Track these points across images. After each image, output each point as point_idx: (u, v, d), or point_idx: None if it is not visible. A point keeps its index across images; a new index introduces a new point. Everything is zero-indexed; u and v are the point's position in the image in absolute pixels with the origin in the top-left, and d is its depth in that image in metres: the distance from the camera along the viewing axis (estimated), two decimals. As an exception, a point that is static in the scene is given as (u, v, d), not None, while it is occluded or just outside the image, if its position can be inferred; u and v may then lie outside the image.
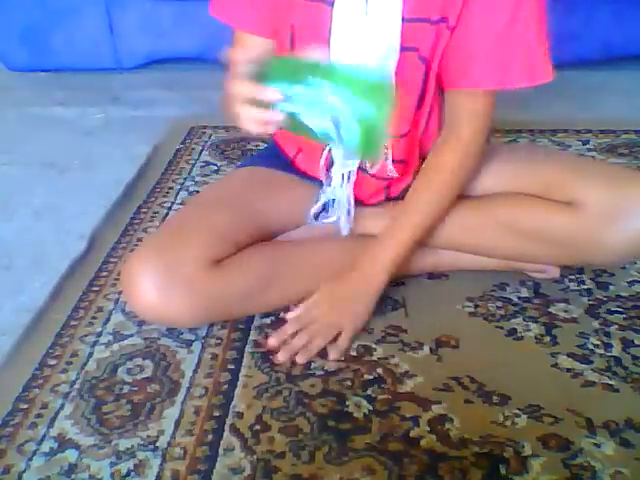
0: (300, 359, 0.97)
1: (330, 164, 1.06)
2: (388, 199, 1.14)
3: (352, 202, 1.09)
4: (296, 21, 0.98)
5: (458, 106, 1.02)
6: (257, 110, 0.81)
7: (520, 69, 0.96)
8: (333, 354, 0.98)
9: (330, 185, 1.08)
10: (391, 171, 1.06)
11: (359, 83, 0.76)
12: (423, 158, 1.08)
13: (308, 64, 0.78)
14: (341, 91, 0.75)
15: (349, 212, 1.10)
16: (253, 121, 0.82)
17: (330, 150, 1.04)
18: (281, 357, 0.98)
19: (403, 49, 0.95)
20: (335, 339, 1.00)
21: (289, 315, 1.04)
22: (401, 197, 1.13)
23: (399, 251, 1.04)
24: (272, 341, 1.00)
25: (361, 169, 1.07)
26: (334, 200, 1.09)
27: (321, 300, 1.03)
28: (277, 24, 1.01)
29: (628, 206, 0.97)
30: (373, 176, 1.07)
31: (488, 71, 0.97)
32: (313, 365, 0.98)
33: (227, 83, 0.84)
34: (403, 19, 0.93)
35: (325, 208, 1.11)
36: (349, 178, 1.06)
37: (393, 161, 1.05)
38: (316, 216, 1.11)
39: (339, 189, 1.07)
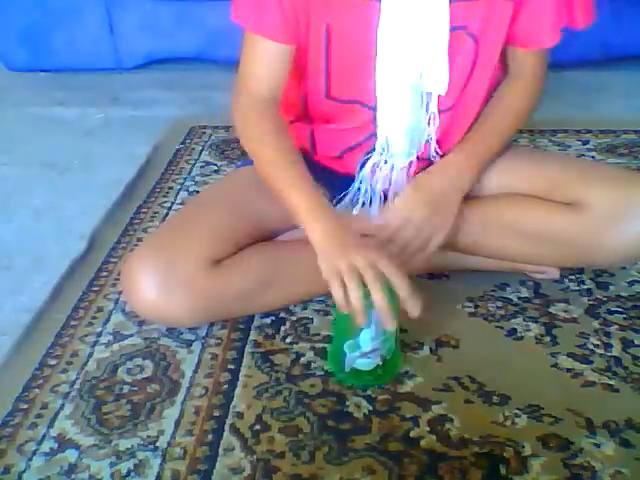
0: (405, 257, 0.99)
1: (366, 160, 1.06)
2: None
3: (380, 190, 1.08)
4: (333, 20, 0.97)
5: (523, 59, 1.06)
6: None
7: (579, 13, 1.01)
8: (430, 250, 1.01)
9: (365, 176, 1.07)
10: (435, 151, 1.06)
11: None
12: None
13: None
14: None
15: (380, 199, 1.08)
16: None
17: (383, 146, 1.05)
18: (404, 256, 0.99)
19: (451, 29, 0.95)
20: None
21: (381, 219, 1.02)
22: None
23: (486, 155, 1.05)
24: (385, 230, 1.00)
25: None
26: (359, 190, 1.08)
27: (418, 199, 1.01)
28: (305, 26, 0.99)
29: (630, 208, 0.97)
30: (418, 158, 1.06)
31: (553, 29, 1.02)
32: (313, 365, 0.98)
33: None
34: (450, 0, 0.94)
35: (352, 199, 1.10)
36: (409, 168, 1.06)
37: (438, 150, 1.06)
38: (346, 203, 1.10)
39: (381, 180, 1.07)
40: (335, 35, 0.98)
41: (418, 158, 1.06)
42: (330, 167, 1.12)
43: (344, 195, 1.09)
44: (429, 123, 1.02)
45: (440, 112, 1.02)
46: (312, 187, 0.95)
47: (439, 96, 1.00)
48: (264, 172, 1.01)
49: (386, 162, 1.05)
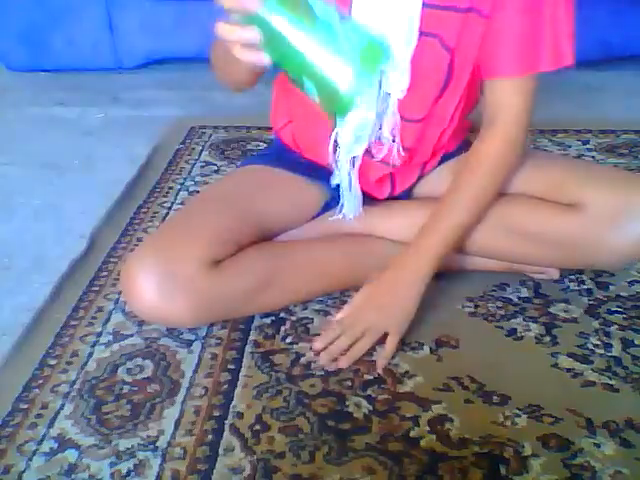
0: (343, 363, 0.97)
1: (336, 150, 1.05)
2: (393, 197, 1.14)
3: (357, 186, 1.07)
4: None
5: (496, 98, 1.01)
6: (238, 30, 0.75)
7: (547, 54, 0.97)
8: (381, 361, 0.97)
9: (338, 170, 1.06)
10: (395, 157, 1.04)
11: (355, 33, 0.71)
12: (434, 154, 1.09)
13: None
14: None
15: (355, 198, 1.08)
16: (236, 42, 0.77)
17: (337, 135, 1.03)
18: (323, 360, 0.97)
19: (423, 34, 0.95)
20: (380, 342, 0.99)
21: (336, 317, 1.02)
22: (404, 197, 1.13)
23: (442, 249, 1.01)
24: (317, 345, 0.99)
25: (366, 154, 1.05)
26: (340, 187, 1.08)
27: (365, 301, 1.01)
28: None
29: (631, 208, 0.97)
30: (381, 160, 1.06)
31: (521, 57, 0.97)
32: (313, 365, 0.98)
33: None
34: (424, 4, 0.93)
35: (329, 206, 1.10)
36: (354, 164, 1.05)
37: (402, 150, 1.03)
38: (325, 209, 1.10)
39: (345, 175, 1.06)
40: None
41: (383, 161, 1.05)
42: (319, 163, 1.12)
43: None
44: (381, 127, 1.01)
45: (409, 121, 1.02)
46: None
47: (407, 105, 0.99)
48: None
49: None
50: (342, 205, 1.09)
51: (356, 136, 1.01)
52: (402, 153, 1.04)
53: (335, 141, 1.03)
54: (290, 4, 0.72)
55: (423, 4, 0.93)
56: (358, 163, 1.05)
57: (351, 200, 1.08)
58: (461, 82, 1.01)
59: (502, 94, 1.00)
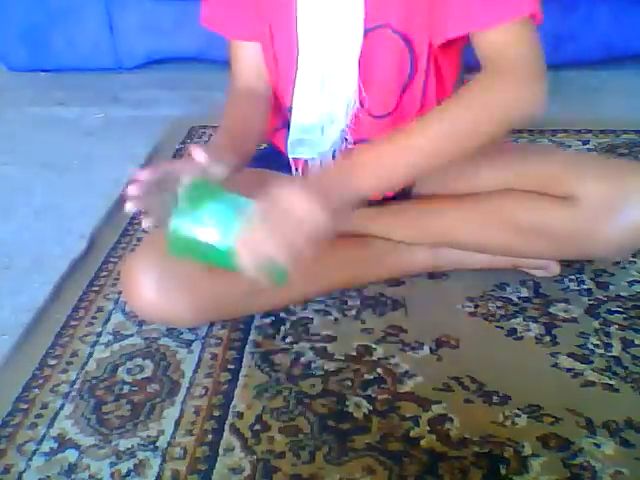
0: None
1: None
2: (386, 199, 1.14)
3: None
4: (271, 21, 1.01)
5: (492, 47, 0.89)
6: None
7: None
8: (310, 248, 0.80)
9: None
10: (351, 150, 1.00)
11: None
12: None
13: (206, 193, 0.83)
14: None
15: None
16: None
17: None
18: (244, 261, 0.79)
19: (371, 29, 0.95)
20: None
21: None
22: (399, 199, 1.13)
23: (390, 168, 0.87)
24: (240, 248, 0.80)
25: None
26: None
27: (293, 192, 0.82)
28: (261, 26, 1.03)
29: (625, 198, 0.97)
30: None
31: (487, 4, 0.87)
32: (313, 365, 0.98)
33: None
34: None
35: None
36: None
37: (364, 141, 1.00)
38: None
39: None
40: (274, 35, 1.02)
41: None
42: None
43: None
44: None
45: (379, 118, 1.02)
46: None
47: (374, 102, 0.99)
48: None
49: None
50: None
51: (300, 139, 1.03)
52: (353, 148, 1.03)
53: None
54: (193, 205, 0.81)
55: None
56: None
57: None
58: (423, 64, 0.99)
59: (497, 41, 0.88)
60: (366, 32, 0.95)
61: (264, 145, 1.19)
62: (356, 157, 0.88)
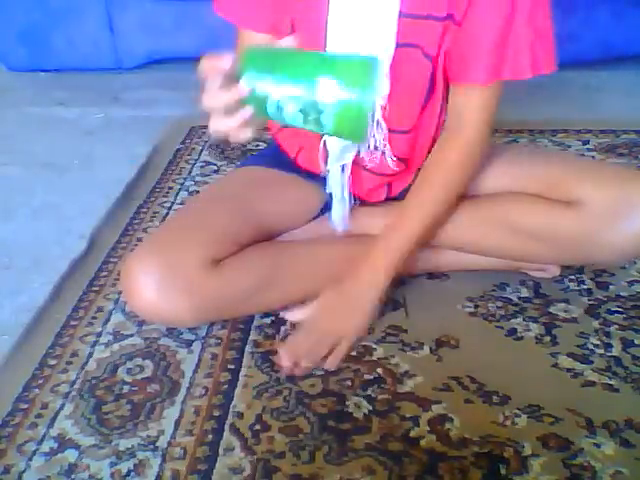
0: (303, 365, 0.96)
1: (327, 157, 1.06)
2: (388, 199, 1.14)
3: (347, 195, 1.08)
4: (295, 15, 0.98)
5: (461, 102, 1.00)
6: (227, 120, 0.82)
7: (523, 61, 0.95)
8: (330, 363, 0.97)
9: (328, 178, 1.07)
10: (391, 167, 1.05)
11: (339, 64, 0.71)
12: None
13: (283, 53, 0.75)
14: (313, 76, 0.70)
15: (345, 206, 1.09)
16: (229, 131, 0.83)
17: (325, 143, 1.04)
18: (284, 360, 0.97)
19: (402, 45, 0.94)
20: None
21: (288, 316, 1.04)
22: (401, 197, 1.13)
23: (400, 254, 1.02)
24: (281, 350, 0.99)
25: (358, 164, 1.06)
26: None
27: (323, 309, 1.02)
28: (277, 20, 1.01)
29: (629, 205, 0.97)
30: (371, 171, 1.07)
31: (489, 65, 0.96)
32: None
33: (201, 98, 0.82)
34: (401, 14, 0.93)
35: (328, 206, 1.11)
36: (343, 171, 1.06)
37: (393, 158, 1.04)
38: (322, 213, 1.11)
39: (336, 183, 1.07)
40: (297, 30, 0.99)
41: (373, 172, 1.06)
42: (310, 170, 1.12)
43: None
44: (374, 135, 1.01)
45: (399, 133, 1.02)
46: None
47: (394, 117, 0.99)
48: None
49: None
50: (331, 213, 1.10)
51: (344, 145, 1.02)
52: (393, 166, 1.04)
53: (325, 149, 1.04)
54: (269, 64, 0.74)
55: (401, 14, 0.92)
56: (348, 171, 1.06)
57: (339, 211, 1.09)
58: (440, 89, 1.01)
59: (466, 100, 0.99)
60: (397, 47, 0.95)
61: (264, 145, 1.19)
62: (372, 263, 1.02)
